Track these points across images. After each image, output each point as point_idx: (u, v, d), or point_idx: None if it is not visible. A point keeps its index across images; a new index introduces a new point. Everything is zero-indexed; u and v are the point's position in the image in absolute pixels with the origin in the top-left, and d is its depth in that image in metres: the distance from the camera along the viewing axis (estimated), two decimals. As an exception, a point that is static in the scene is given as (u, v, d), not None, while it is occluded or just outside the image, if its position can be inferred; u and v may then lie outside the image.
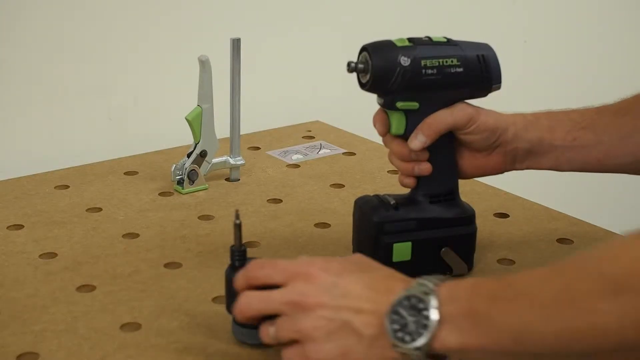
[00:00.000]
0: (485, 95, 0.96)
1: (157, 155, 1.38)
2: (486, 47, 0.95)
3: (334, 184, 1.29)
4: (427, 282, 0.73)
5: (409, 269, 0.94)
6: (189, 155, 1.24)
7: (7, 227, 1.12)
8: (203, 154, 1.25)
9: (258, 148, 1.43)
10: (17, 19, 1.36)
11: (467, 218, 0.98)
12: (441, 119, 0.93)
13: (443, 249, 0.97)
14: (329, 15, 1.67)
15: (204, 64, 1.20)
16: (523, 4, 1.91)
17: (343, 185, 1.29)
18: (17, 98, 1.40)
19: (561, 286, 0.67)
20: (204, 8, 1.52)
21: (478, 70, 0.94)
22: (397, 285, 0.75)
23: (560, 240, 1.11)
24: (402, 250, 0.96)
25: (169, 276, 1.01)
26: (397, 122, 0.94)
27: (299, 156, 1.40)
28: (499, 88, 0.96)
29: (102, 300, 0.95)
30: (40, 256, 1.05)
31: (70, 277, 1.00)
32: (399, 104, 0.93)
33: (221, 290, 0.96)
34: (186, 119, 1.23)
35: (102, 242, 1.09)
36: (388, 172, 1.33)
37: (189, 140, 1.26)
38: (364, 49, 0.93)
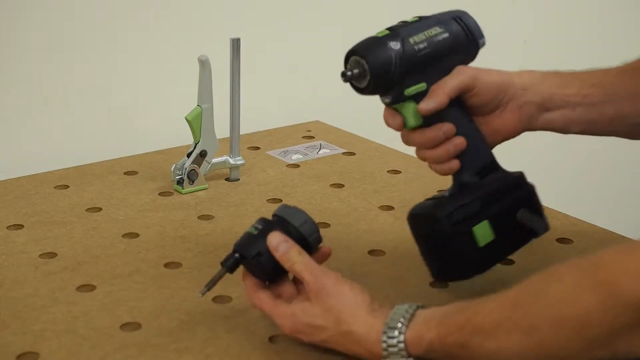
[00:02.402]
0: (476, 53, 0.95)
1: (157, 155, 1.38)
2: (457, 11, 0.95)
3: (333, 184, 1.29)
4: (394, 340, 0.78)
5: (498, 249, 0.91)
6: (188, 155, 1.24)
7: (7, 227, 1.12)
8: (203, 154, 1.25)
9: (258, 148, 1.44)
10: (17, 19, 1.36)
11: (520, 178, 0.95)
12: (446, 82, 0.92)
13: (519, 212, 0.93)
14: (329, 15, 1.67)
15: (204, 64, 1.21)
16: (523, 4, 1.91)
17: (343, 185, 1.29)
18: (17, 98, 1.40)
19: (538, 341, 0.71)
20: (204, 8, 1.52)
21: (461, 31, 0.94)
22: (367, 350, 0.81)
23: (560, 240, 1.11)
24: (483, 232, 0.91)
25: (169, 276, 1.01)
26: (412, 112, 0.92)
27: (299, 156, 1.40)
28: (484, 43, 0.96)
29: (102, 300, 0.95)
30: (40, 256, 1.05)
31: (70, 277, 1.00)
32: (407, 91, 0.91)
33: (221, 290, 0.97)
34: (186, 119, 1.23)
35: (102, 242, 1.09)
36: (388, 172, 1.33)
37: (189, 140, 1.26)
38: (350, 54, 0.91)
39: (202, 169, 1.25)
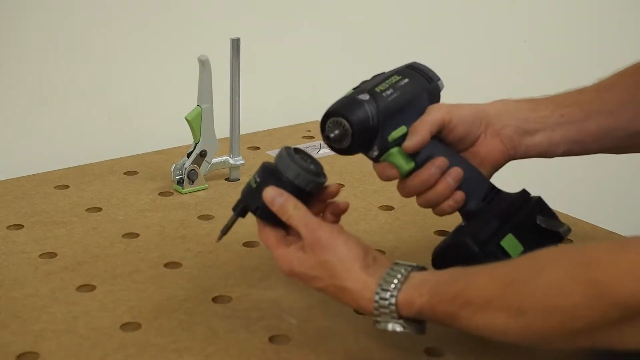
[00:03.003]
0: (439, 94, 0.97)
1: (157, 155, 1.38)
2: (409, 62, 0.97)
3: (333, 184, 1.29)
4: (387, 302, 0.79)
5: None
6: (188, 155, 1.25)
7: (7, 227, 1.12)
8: (203, 154, 1.25)
9: (258, 148, 1.44)
10: (17, 19, 1.36)
11: (525, 192, 0.96)
12: (424, 119, 0.93)
13: (537, 219, 0.93)
14: (329, 15, 1.67)
15: (204, 64, 1.21)
16: (523, 4, 1.91)
17: (343, 185, 1.29)
18: (17, 98, 1.40)
19: (524, 325, 0.73)
20: (204, 8, 1.52)
21: (417, 75, 0.96)
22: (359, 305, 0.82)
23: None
24: (511, 245, 0.91)
25: (169, 276, 1.01)
26: (402, 158, 0.92)
27: (299, 156, 1.40)
28: (443, 85, 0.97)
29: (102, 300, 0.95)
30: (40, 256, 1.05)
31: (70, 277, 1.00)
32: (391, 137, 0.92)
33: (221, 290, 0.97)
34: (186, 119, 1.23)
35: (102, 242, 1.09)
36: (388, 172, 1.33)
37: (189, 140, 1.26)
38: (327, 117, 0.91)
39: (202, 169, 1.25)
